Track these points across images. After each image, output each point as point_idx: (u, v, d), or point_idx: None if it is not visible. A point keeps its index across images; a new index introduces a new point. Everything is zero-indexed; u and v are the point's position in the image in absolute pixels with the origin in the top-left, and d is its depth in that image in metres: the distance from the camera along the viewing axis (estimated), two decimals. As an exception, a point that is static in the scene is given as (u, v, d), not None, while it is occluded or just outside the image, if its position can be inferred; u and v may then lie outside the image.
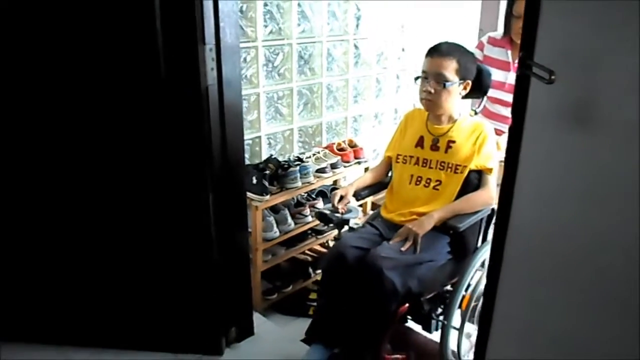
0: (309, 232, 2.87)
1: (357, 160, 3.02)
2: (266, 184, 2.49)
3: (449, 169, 2.10)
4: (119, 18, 1.82)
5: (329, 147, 3.01)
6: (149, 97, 1.91)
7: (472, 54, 2.15)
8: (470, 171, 2.07)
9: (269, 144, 2.96)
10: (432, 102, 2.06)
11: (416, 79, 2.10)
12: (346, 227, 2.23)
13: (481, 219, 2.11)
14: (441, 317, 2.06)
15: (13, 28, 1.85)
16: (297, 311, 2.77)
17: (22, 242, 2.16)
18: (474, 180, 2.09)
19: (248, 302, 2.35)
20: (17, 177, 2.06)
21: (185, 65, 1.86)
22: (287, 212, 2.66)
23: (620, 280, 0.90)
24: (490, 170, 2.07)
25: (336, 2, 3.03)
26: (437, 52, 2.05)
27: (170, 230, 2.07)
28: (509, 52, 2.45)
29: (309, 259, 2.97)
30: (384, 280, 1.85)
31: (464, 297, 2.01)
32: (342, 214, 2.18)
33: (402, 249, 1.94)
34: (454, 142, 2.11)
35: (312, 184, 2.74)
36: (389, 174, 2.33)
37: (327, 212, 2.22)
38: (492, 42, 2.52)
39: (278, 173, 2.58)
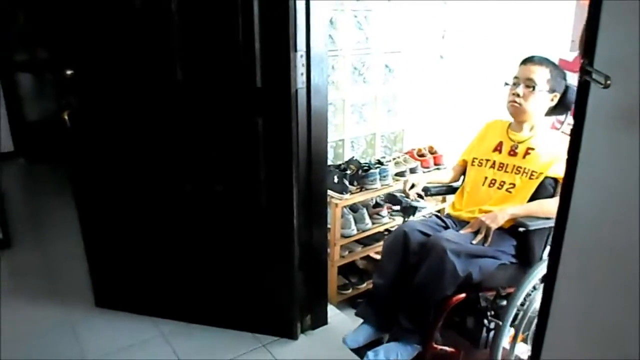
0: (385, 232, 2.99)
1: (436, 167, 3.10)
2: (347, 183, 2.64)
3: (525, 174, 2.12)
4: (220, 27, 2.04)
5: (409, 153, 3.12)
6: (245, 99, 2.12)
7: (562, 70, 2.16)
8: (546, 178, 2.08)
9: (352, 147, 3.11)
10: (519, 107, 2.11)
11: (506, 84, 2.16)
12: (413, 218, 2.36)
13: (551, 230, 2.01)
14: (492, 324, 2.02)
15: (124, 36, 2.14)
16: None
17: (127, 227, 2.46)
18: (549, 188, 2.10)
19: (324, 293, 2.50)
20: (128, 172, 2.35)
21: (278, 70, 2.04)
22: (365, 211, 2.80)
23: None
24: None
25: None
26: (530, 60, 2.11)
27: (259, 220, 2.27)
28: None
29: (385, 259, 3.08)
30: (445, 261, 1.89)
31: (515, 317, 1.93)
32: (412, 200, 2.28)
33: (474, 241, 1.99)
34: (532, 149, 2.14)
35: (391, 186, 2.86)
36: (461, 179, 2.40)
37: (398, 194, 2.33)
38: (563, 64, 2.43)
39: (358, 174, 2.72)
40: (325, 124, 2.25)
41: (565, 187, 1.19)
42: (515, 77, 2.13)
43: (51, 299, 2.79)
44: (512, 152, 2.19)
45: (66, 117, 2.29)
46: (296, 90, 2.07)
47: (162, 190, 2.35)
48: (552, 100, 2.11)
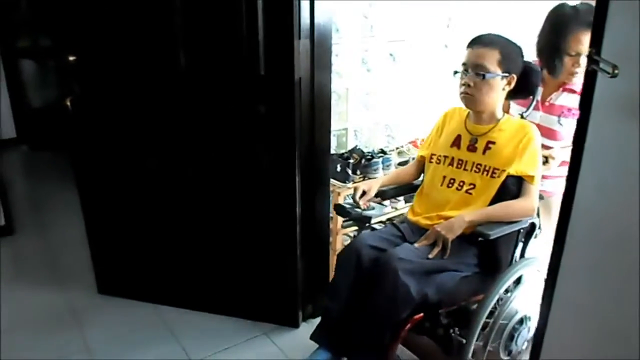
0: (386, 222, 2.98)
1: (439, 157, 3.08)
2: (349, 172, 2.63)
3: (485, 173, 1.89)
4: (223, 15, 2.03)
5: (412, 143, 3.10)
6: (248, 87, 2.11)
7: (518, 46, 1.90)
8: (509, 177, 1.85)
9: (355, 135, 3.10)
10: (471, 97, 1.86)
11: (455, 72, 1.90)
12: (375, 225, 2.12)
13: (519, 233, 1.89)
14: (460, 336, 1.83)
15: (132, 33, 2.13)
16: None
17: (129, 214, 2.46)
18: (512, 187, 1.87)
19: (325, 281, 2.50)
20: (130, 159, 2.36)
21: (282, 57, 2.03)
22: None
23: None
24: (531, 178, 1.84)
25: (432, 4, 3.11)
26: (477, 42, 1.87)
27: (260, 208, 2.28)
28: (540, 88, 2.08)
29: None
30: (397, 284, 1.68)
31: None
32: (363, 209, 2.02)
33: (430, 255, 1.77)
34: (493, 143, 1.90)
35: (393, 176, 2.84)
36: (422, 176, 2.16)
37: (347, 205, 2.04)
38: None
39: (361, 163, 2.71)
40: (328, 113, 2.25)
41: (570, 177, 1.19)
42: (464, 64, 1.87)
43: (54, 285, 2.80)
44: (471, 147, 1.94)
45: (68, 104, 2.29)
46: (300, 78, 2.06)
47: (164, 177, 2.35)
48: (509, 83, 1.86)
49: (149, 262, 2.52)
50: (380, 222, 2.51)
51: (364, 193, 2.02)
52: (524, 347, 1.95)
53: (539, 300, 1.95)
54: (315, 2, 1.99)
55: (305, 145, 2.19)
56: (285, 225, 2.26)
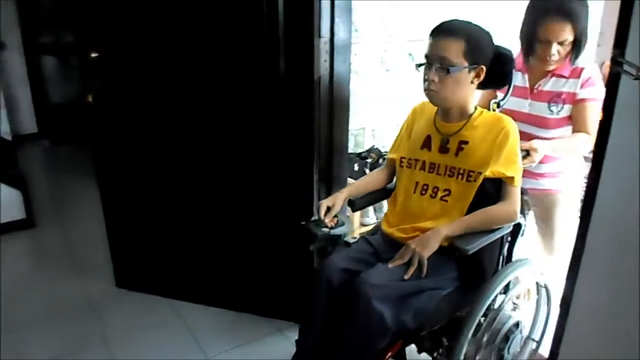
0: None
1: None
2: (367, 171, 2.64)
3: (460, 176, 1.68)
4: (244, 14, 2.05)
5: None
6: (268, 86, 2.13)
7: (487, 33, 1.68)
8: (486, 179, 1.65)
9: (373, 135, 3.10)
10: (436, 94, 1.65)
11: (418, 66, 1.69)
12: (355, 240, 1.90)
13: (503, 236, 1.73)
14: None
15: (155, 25, 2.16)
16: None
17: (148, 209, 2.49)
18: (490, 191, 1.66)
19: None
20: (150, 154, 2.38)
21: (302, 56, 2.04)
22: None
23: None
24: (511, 179, 1.64)
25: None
26: (440, 31, 1.64)
27: (277, 206, 2.29)
28: (526, 75, 2.01)
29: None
30: (370, 313, 1.49)
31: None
32: (330, 228, 1.77)
33: (405, 276, 1.56)
34: (466, 142, 1.69)
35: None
36: (394, 180, 1.94)
37: (312, 225, 1.78)
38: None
39: (379, 162, 2.71)
40: (346, 112, 2.25)
41: (592, 178, 1.18)
42: (426, 56, 1.66)
43: (73, 278, 2.85)
44: (443, 149, 1.73)
45: (90, 99, 2.33)
46: (319, 77, 2.07)
47: (182, 174, 2.37)
48: (478, 75, 1.65)
49: (166, 257, 2.55)
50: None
51: (328, 209, 1.79)
52: (517, 356, 1.87)
53: (533, 304, 1.96)
54: (335, 1, 2.00)
55: (324, 144, 2.19)
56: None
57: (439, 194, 1.71)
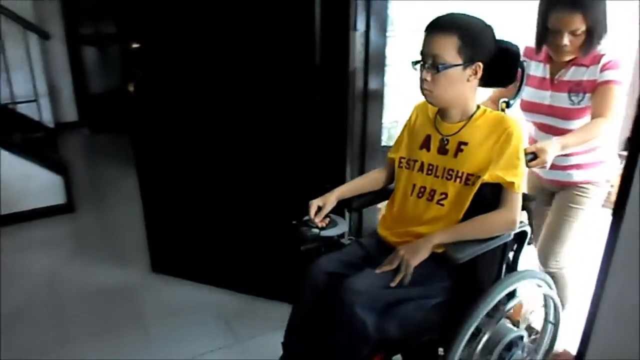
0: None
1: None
2: (399, 165, 2.64)
3: (458, 180, 1.58)
4: (281, 5, 2.07)
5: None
6: (304, 77, 2.16)
7: (486, 27, 1.57)
8: (486, 184, 1.54)
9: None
10: (429, 93, 1.57)
11: (414, 63, 1.60)
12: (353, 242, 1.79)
13: (506, 246, 1.62)
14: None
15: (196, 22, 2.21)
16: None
17: (184, 197, 2.56)
18: (489, 197, 1.55)
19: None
20: (188, 143, 2.44)
21: (337, 48, 2.07)
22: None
23: None
24: (511, 185, 1.52)
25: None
26: (434, 27, 1.56)
27: (311, 196, 2.31)
28: (547, 66, 1.94)
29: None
30: (353, 320, 1.44)
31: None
32: (320, 228, 1.70)
33: (392, 284, 1.48)
34: (465, 144, 1.59)
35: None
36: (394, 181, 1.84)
37: (303, 226, 1.73)
38: (529, 54, 1.99)
39: (411, 156, 2.71)
40: (380, 105, 2.26)
41: (625, 175, 1.17)
42: (420, 53, 1.58)
43: (110, 262, 2.94)
44: (442, 150, 1.63)
45: (131, 88, 2.40)
46: (354, 69, 2.08)
47: (219, 163, 2.42)
48: (476, 73, 1.54)
49: (201, 244, 2.61)
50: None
51: (319, 209, 1.72)
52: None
53: (541, 317, 1.85)
54: (372, -6, 2.01)
55: (357, 137, 2.21)
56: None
57: (436, 198, 1.62)
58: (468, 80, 1.55)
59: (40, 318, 2.48)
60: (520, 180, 1.55)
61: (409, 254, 1.50)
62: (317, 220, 1.71)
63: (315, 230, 1.70)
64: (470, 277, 1.60)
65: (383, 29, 2.13)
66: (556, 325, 1.88)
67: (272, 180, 2.36)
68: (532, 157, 1.66)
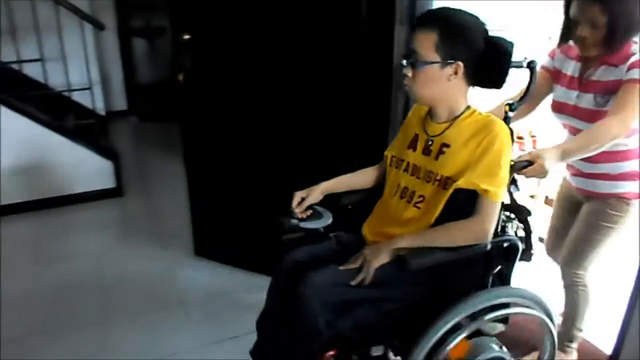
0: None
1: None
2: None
3: (437, 182, 1.50)
4: (330, 4, 2.13)
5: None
6: (348, 69, 2.20)
7: (472, 24, 1.49)
8: (462, 190, 1.45)
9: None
10: (409, 89, 1.53)
11: (403, 58, 1.55)
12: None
13: (490, 257, 1.49)
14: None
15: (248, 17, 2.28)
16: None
17: (229, 184, 2.64)
18: (463, 203, 1.46)
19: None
20: (235, 132, 2.52)
21: (382, 42, 2.09)
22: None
23: None
24: (485, 192, 1.42)
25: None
26: (418, 22, 1.51)
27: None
28: (579, 64, 1.81)
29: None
30: (306, 312, 1.42)
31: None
32: (300, 219, 1.67)
33: (352, 282, 1.44)
34: (448, 146, 1.51)
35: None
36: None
37: (282, 216, 1.72)
38: (565, 50, 1.86)
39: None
40: (422, 99, 2.28)
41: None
42: (407, 48, 1.56)
43: (155, 244, 3.07)
44: (426, 150, 1.56)
45: (181, 78, 2.49)
46: (399, 64, 2.11)
47: (263, 153, 2.50)
48: (455, 72, 1.45)
49: (243, 230, 2.69)
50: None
51: (302, 200, 1.69)
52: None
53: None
54: (417, -11, 2.04)
55: (398, 129, 2.23)
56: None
57: (414, 200, 1.55)
58: (449, 80, 1.47)
59: (87, 295, 2.61)
60: (499, 189, 1.44)
61: (371, 255, 1.46)
62: (297, 210, 1.68)
63: (294, 221, 1.68)
64: (443, 287, 1.49)
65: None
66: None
67: (315, 170, 2.41)
68: (526, 164, 1.55)
